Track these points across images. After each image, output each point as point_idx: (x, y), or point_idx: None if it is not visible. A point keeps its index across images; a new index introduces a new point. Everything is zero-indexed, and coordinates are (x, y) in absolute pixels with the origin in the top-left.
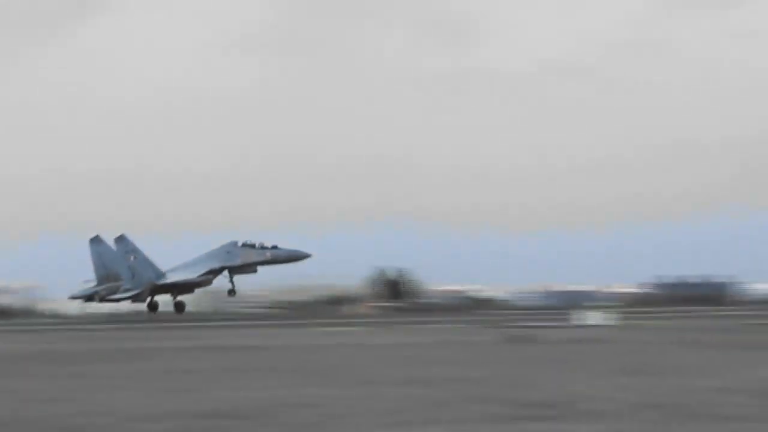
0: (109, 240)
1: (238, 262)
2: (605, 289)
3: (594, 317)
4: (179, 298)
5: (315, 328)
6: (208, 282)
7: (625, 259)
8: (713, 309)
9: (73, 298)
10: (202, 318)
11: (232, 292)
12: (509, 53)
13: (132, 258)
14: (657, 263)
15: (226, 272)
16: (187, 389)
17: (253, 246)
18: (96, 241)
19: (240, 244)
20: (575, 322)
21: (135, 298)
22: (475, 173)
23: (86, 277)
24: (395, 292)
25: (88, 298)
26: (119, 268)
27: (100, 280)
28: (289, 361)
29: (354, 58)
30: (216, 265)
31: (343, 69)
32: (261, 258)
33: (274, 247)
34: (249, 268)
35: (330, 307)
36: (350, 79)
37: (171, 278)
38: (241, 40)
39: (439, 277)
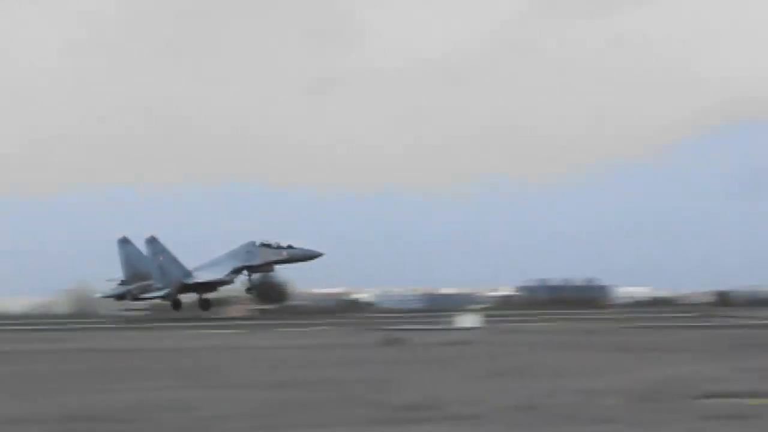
0: (136, 241)
1: (257, 261)
2: (483, 292)
3: (470, 320)
4: (204, 295)
5: (190, 331)
6: (232, 281)
7: (503, 262)
8: (590, 312)
9: (106, 297)
10: (76, 320)
11: (250, 290)
12: (390, 53)
13: (161, 258)
14: (535, 266)
15: (245, 271)
16: (54, 392)
17: (270, 246)
18: (124, 241)
19: (258, 243)
20: (450, 325)
21: (165, 297)
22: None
23: (112, 277)
24: (271, 295)
25: (120, 297)
26: (146, 267)
27: (128, 279)
28: (160, 363)
29: (239, 59)
30: (238, 264)
31: (226, 70)
32: (278, 257)
33: (290, 247)
34: (267, 267)
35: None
36: (238, 80)
37: (199, 277)
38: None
39: (315, 279)
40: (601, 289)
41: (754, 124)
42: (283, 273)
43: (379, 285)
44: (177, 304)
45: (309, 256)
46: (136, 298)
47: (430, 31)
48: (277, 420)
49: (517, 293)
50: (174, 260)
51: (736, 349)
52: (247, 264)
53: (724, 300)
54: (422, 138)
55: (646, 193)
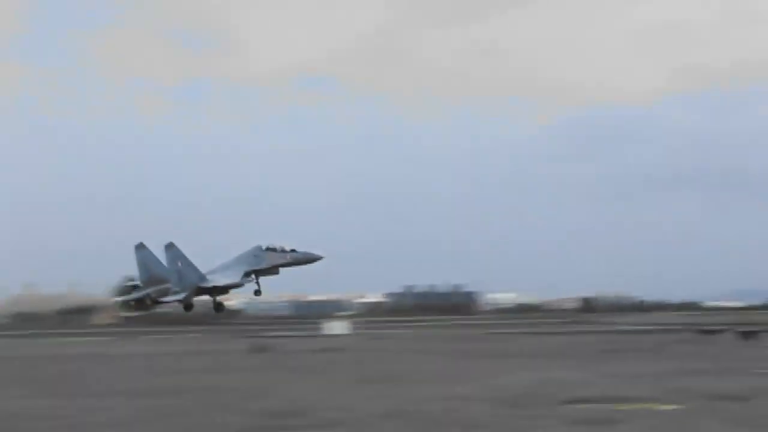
0: (152, 246)
1: (264, 265)
2: (351, 299)
3: (338, 327)
4: (218, 298)
5: (54, 339)
6: (243, 284)
7: (371, 269)
8: (457, 318)
9: (123, 301)
10: None
11: (258, 292)
12: (265, 60)
13: (179, 263)
14: (405, 273)
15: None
16: None
17: (275, 249)
18: (140, 247)
19: (264, 248)
20: (319, 332)
21: (183, 300)
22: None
23: (127, 280)
24: (142, 302)
25: (139, 300)
26: (162, 272)
27: (145, 283)
28: (24, 371)
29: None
30: (247, 268)
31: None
32: (283, 260)
33: (293, 250)
34: (273, 270)
35: (75, 316)
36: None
37: (215, 281)
38: None
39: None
40: (469, 296)
41: (614, 137)
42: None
43: (246, 292)
44: (189, 307)
45: (311, 259)
46: (155, 302)
47: (299, 38)
48: (147, 428)
49: (385, 300)
50: (190, 265)
51: (601, 355)
52: (255, 268)
53: (589, 306)
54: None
55: (516, 202)
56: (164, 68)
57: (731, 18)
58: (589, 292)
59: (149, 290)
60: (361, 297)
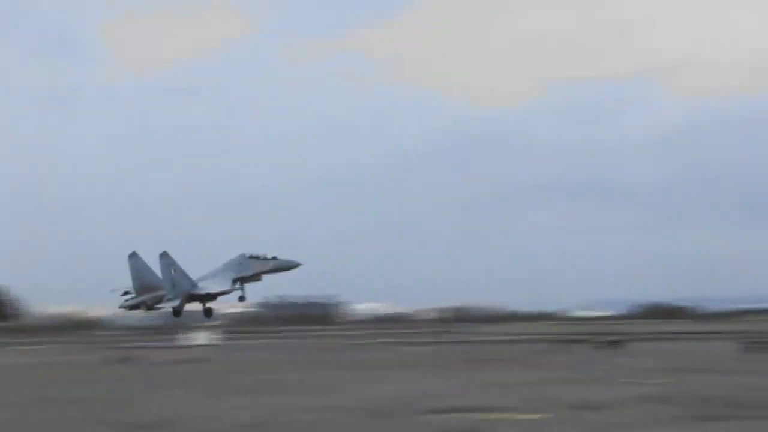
0: (145, 255)
1: (249, 272)
2: (219, 309)
3: (206, 337)
4: (207, 305)
5: None
6: (232, 291)
7: None
8: (325, 328)
9: (122, 307)
10: None
11: (242, 298)
12: (114, 72)
13: (173, 271)
14: (277, 283)
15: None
16: None
17: (258, 257)
18: (134, 256)
19: (248, 255)
20: (186, 342)
21: (176, 307)
22: None
23: (119, 289)
24: (137, 309)
25: (134, 307)
26: (154, 279)
27: (138, 290)
28: None
29: None
30: (234, 275)
31: None
32: (266, 268)
33: (274, 258)
34: (257, 277)
35: None
36: None
37: (207, 288)
38: None
39: (45, 296)
40: (337, 306)
41: (483, 146)
42: (15, 290)
43: (110, 303)
44: (178, 313)
45: (291, 266)
46: (150, 308)
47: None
48: None
49: (254, 309)
50: (183, 273)
51: (467, 365)
52: (241, 275)
53: (457, 316)
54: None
55: (382, 211)
56: None
57: (601, 30)
58: (456, 302)
59: (145, 297)
60: (231, 307)
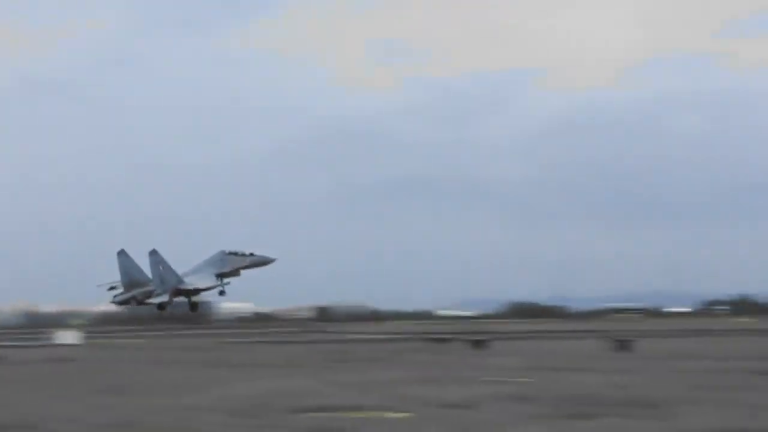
0: (133, 253)
1: (228, 268)
2: (83, 308)
3: (70, 336)
4: (193, 299)
5: None
6: (215, 287)
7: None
8: (191, 327)
9: (113, 302)
10: None
11: (223, 293)
12: None
13: (161, 268)
14: None
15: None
16: None
17: (236, 254)
18: (122, 254)
19: (227, 252)
20: (50, 342)
21: (164, 301)
22: None
23: (105, 284)
24: (128, 303)
25: (125, 302)
26: (141, 276)
27: (126, 286)
28: None
29: None
30: (216, 271)
31: None
32: (243, 263)
33: (251, 254)
34: (235, 272)
35: None
36: None
37: (194, 284)
38: None
39: None
40: (203, 305)
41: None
42: None
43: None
44: (164, 307)
45: (267, 261)
46: (140, 303)
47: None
48: None
49: (120, 309)
50: (170, 269)
51: (334, 364)
52: (221, 271)
53: (324, 315)
54: None
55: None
56: None
57: (471, 35)
58: (324, 302)
59: (134, 292)
60: (95, 306)
